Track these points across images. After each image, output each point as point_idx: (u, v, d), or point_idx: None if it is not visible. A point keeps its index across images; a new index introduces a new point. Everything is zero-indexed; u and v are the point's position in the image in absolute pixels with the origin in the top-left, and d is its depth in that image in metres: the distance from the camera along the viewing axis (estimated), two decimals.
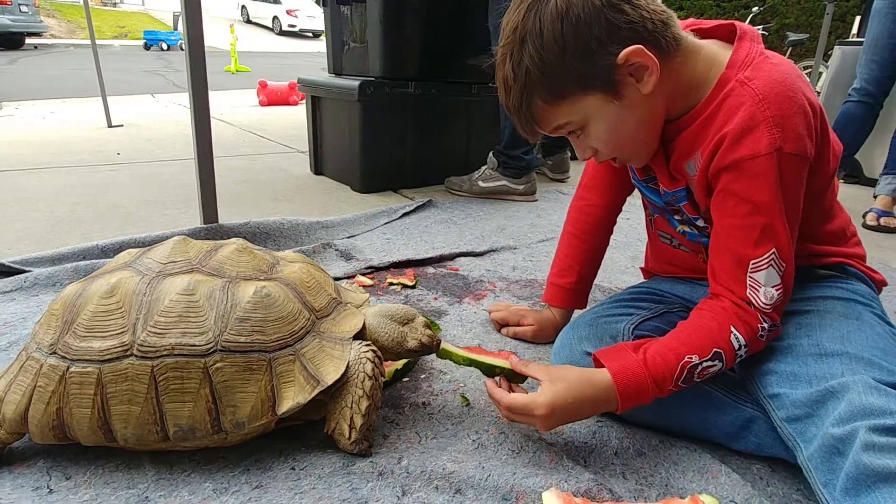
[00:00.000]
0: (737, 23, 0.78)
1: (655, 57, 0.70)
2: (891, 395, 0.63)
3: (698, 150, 0.77)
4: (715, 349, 0.73)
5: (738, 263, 0.74)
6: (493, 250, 1.64)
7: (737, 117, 0.70)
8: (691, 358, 0.73)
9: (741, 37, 0.76)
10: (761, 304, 0.73)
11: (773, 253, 0.72)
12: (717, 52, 0.76)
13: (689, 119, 0.77)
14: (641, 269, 1.16)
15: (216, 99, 5.73)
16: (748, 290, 0.73)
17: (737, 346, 0.73)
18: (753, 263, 0.72)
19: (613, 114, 0.74)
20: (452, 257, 1.56)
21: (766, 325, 0.74)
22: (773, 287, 0.72)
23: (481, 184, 2.26)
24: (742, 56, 0.73)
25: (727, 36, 0.79)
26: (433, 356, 0.93)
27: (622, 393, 0.73)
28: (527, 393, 0.77)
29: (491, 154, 2.25)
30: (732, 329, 0.73)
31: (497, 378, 0.81)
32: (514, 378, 0.81)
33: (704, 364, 0.73)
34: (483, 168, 2.28)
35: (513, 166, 2.22)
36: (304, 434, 0.79)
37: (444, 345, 0.85)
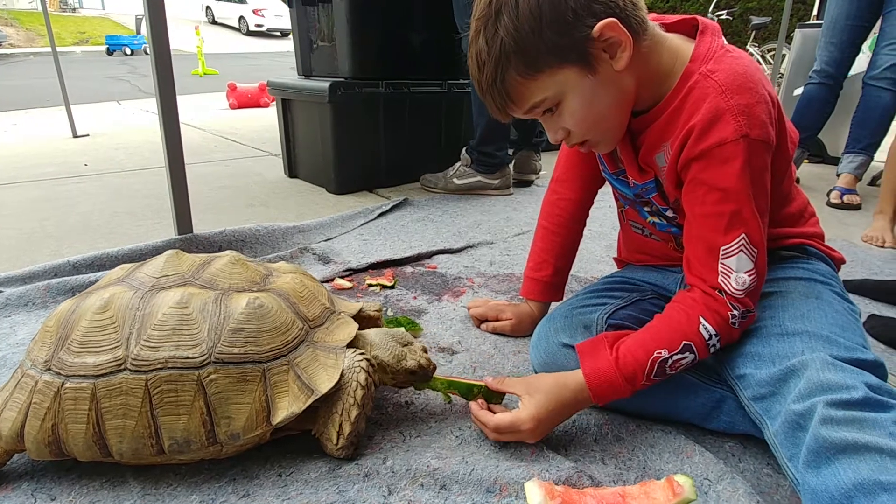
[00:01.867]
0: (699, 17, 0.80)
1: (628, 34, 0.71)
2: (847, 371, 0.66)
3: (667, 141, 0.79)
4: (684, 342, 0.75)
5: (710, 250, 0.75)
6: (470, 246, 1.66)
7: (703, 109, 0.73)
8: (661, 353, 0.75)
9: (703, 31, 0.78)
10: (733, 290, 0.74)
11: (743, 238, 0.73)
12: (680, 45, 0.79)
13: (656, 112, 0.79)
14: (615, 258, 1.19)
15: (184, 103, 5.62)
16: (720, 277, 0.75)
17: (707, 336, 0.75)
18: (724, 249, 0.74)
19: (588, 89, 0.74)
20: (430, 255, 1.57)
21: (736, 311, 0.75)
22: (745, 273, 0.73)
23: (456, 181, 2.28)
24: (704, 50, 0.76)
25: (689, 31, 0.81)
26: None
27: (594, 392, 0.77)
28: (507, 409, 0.80)
29: (464, 151, 2.27)
30: (701, 320, 0.75)
31: (478, 400, 0.83)
32: (491, 397, 0.84)
33: (675, 357, 0.75)
34: (457, 165, 2.30)
35: (486, 163, 2.23)
36: (289, 441, 0.79)
37: None
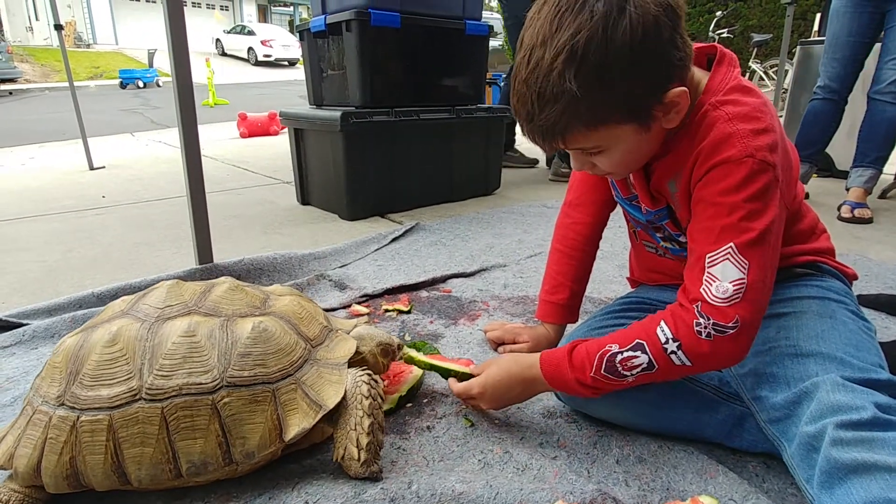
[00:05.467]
0: (718, 46, 0.81)
1: None
2: (856, 392, 0.67)
3: (678, 169, 0.80)
4: (637, 340, 0.75)
5: (697, 260, 0.74)
6: (484, 269, 1.68)
7: (711, 134, 0.74)
8: (611, 347, 0.77)
9: (719, 61, 0.79)
10: (712, 297, 0.71)
11: (730, 247, 0.71)
12: (699, 78, 0.80)
13: (669, 142, 0.81)
14: (628, 278, 1.20)
15: None
16: (702, 286, 0.72)
17: (663, 339, 0.74)
18: (709, 257, 0.72)
19: (635, 142, 0.75)
20: (444, 279, 1.59)
21: (702, 320, 0.71)
22: (729, 282, 0.70)
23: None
24: (717, 82, 0.77)
25: (703, 60, 0.82)
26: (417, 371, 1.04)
27: (544, 372, 0.83)
28: None
29: None
30: (661, 323, 0.75)
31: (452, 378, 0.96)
32: (466, 379, 0.93)
33: (626, 354, 0.75)
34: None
35: None
36: (315, 467, 0.81)
37: (408, 351, 1.01)
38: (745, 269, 0.71)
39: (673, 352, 0.73)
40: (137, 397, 0.71)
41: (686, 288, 0.76)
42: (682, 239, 0.89)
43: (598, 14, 0.64)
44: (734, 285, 0.70)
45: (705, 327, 0.71)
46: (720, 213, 0.73)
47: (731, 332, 0.71)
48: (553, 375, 0.82)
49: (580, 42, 0.64)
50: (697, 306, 0.72)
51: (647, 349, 0.75)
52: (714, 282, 0.71)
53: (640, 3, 0.65)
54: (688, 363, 0.74)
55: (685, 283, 0.77)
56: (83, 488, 0.72)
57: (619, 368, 0.76)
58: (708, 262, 0.73)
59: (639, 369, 0.75)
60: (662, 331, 0.74)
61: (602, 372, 0.77)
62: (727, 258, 0.71)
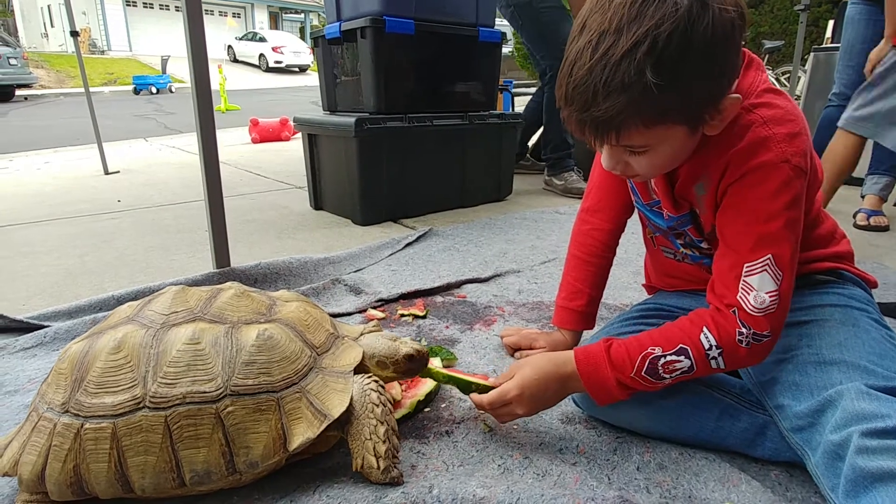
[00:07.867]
0: (746, 50, 0.81)
1: None
2: (882, 400, 0.66)
3: (707, 171, 0.80)
4: (681, 345, 0.76)
5: (733, 267, 0.75)
6: (498, 275, 1.68)
7: (746, 137, 0.74)
8: (654, 350, 0.76)
9: (748, 65, 0.79)
10: (750, 307, 0.73)
11: (769, 259, 0.73)
12: None
13: (698, 145, 0.80)
14: (644, 285, 1.20)
15: None
16: (739, 294, 0.74)
17: (707, 346, 0.75)
18: (748, 266, 0.73)
19: (680, 145, 0.74)
20: (459, 285, 1.59)
21: (744, 330, 0.73)
22: (766, 293, 0.72)
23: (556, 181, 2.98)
24: (747, 85, 0.77)
25: None
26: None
27: (582, 371, 0.80)
28: None
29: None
30: (704, 329, 0.76)
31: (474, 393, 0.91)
32: (487, 392, 0.89)
33: (669, 357, 0.76)
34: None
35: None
36: (336, 470, 0.81)
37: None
38: (779, 280, 0.73)
39: (714, 357, 0.76)
40: (141, 405, 0.70)
41: (719, 291, 0.77)
42: (703, 245, 0.89)
43: (683, 7, 0.61)
44: (770, 296, 0.73)
45: (746, 336, 0.74)
46: (757, 220, 0.74)
47: (766, 340, 0.75)
48: (590, 373, 0.80)
49: (664, 33, 0.61)
50: (735, 313, 0.74)
51: (691, 354, 0.76)
52: (751, 291, 0.73)
53: (721, 1, 0.63)
54: (722, 366, 0.77)
55: (717, 285, 0.78)
56: (86, 496, 0.72)
57: (661, 371, 0.77)
58: (745, 271, 0.74)
59: (679, 372, 0.77)
60: (707, 337, 0.75)
61: (643, 373, 0.77)
62: (765, 269, 0.73)
